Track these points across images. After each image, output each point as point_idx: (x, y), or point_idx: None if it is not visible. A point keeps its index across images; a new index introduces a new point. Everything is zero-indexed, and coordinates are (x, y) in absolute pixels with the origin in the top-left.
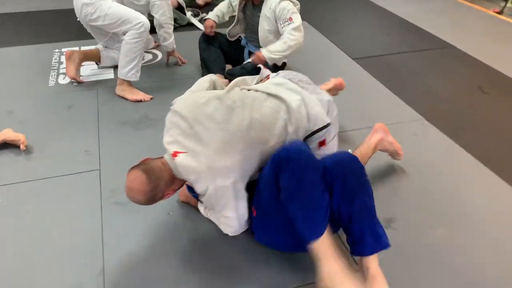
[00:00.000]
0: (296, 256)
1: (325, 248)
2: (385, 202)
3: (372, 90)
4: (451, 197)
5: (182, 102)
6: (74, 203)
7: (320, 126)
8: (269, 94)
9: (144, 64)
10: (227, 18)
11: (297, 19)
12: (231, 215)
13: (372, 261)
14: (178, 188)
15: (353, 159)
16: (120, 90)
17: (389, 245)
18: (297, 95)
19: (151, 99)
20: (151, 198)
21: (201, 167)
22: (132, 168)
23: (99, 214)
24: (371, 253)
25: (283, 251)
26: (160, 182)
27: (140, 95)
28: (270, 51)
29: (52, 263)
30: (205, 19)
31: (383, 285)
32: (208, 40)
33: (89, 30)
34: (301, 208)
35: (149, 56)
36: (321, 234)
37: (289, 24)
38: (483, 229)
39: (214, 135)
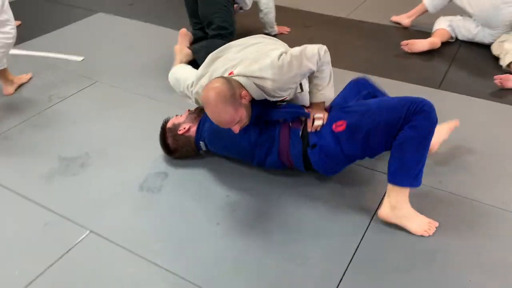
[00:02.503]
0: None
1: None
2: None
3: None
4: None
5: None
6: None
7: None
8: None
9: None
10: None
11: None
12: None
13: (394, 191)
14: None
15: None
16: None
17: (406, 186)
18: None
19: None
20: (233, 98)
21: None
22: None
23: (142, 262)
24: (390, 181)
25: (327, 174)
26: (235, 89)
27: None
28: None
29: None
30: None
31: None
32: None
33: None
34: (418, 158)
35: None
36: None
37: None
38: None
39: (249, 50)
